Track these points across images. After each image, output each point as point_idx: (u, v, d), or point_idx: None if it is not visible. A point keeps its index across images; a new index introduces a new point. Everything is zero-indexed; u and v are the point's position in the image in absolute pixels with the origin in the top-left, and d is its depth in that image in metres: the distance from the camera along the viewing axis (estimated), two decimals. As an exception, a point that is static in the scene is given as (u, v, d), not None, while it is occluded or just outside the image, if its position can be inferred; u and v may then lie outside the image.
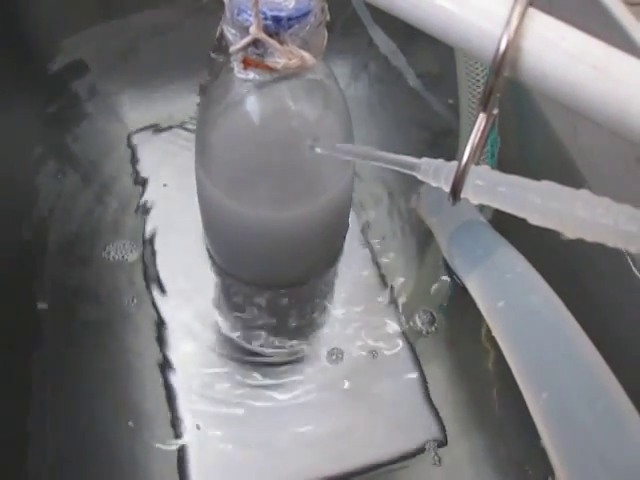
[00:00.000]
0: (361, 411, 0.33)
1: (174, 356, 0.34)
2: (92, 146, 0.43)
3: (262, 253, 0.33)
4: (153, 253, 0.38)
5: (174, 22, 0.45)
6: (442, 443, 0.32)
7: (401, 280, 0.38)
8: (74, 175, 0.41)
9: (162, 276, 0.37)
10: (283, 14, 0.23)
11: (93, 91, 0.44)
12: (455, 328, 0.36)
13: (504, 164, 0.35)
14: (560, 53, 0.16)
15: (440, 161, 0.22)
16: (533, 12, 0.16)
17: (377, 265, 0.38)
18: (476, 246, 0.28)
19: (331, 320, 0.36)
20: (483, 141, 0.18)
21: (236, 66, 0.25)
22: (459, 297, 0.36)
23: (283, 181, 0.30)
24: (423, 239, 0.39)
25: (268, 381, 0.34)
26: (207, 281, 0.37)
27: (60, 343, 0.35)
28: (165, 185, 0.41)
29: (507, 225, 0.25)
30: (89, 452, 0.32)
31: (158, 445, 0.32)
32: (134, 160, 0.42)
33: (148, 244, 0.38)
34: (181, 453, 0.31)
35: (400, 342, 0.35)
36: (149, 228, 0.39)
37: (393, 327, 0.36)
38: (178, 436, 0.32)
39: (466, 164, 0.19)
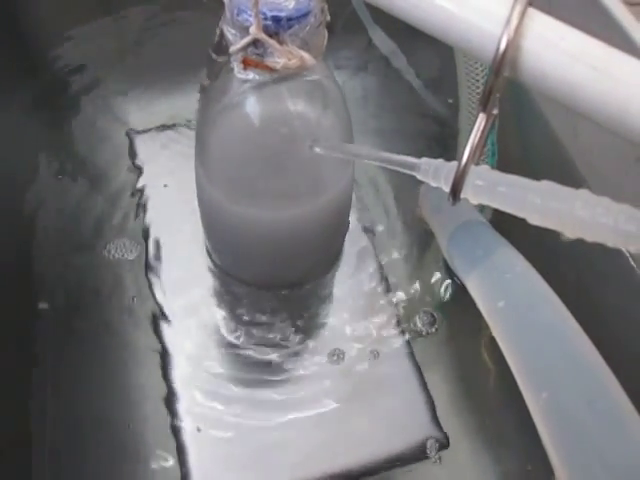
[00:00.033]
0: (362, 411, 0.33)
1: (174, 357, 0.34)
2: (92, 146, 0.43)
3: (262, 253, 0.33)
4: (153, 253, 0.38)
5: (174, 21, 0.45)
6: (442, 443, 0.32)
7: (401, 280, 0.38)
8: (74, 175, 0.41)
9: (162, 277, 0.37)
10: (283, 14, 0.23)
11: (93, 90, 0.44)
12: (455, 328, 0.36)
13: (504, 164, 0.35)
14: (560, 53, 0.16)
15: (440, 161, 0.22)
16: (533, 12, 0.16)
17: (377, 265, 0.38)
18: (476, 246, 0.28)
19: (332, 320, 0.36)
20: (483, 141, 0.18)
21: (236, 66, 0.25)
22: (459, 297, 0.36)
23: (283, 181, 0.30)
24: (423, 239, 0.39)
25: (269, 382, 0.34)
26: (207, 282, 0.37)
27: (60, 343, 0.35)
28: (166, 185, 0.41)
29: (507, 225, 0.25)
30: (89, 452, 0.32)
31: (158, 446, 0.32)
32: (134, 160, 0.42)
33: (148, 244, 0.38)
34: (181, 453, 0.31)
35: (400, 342, 0.35)
36: (149, 228, 0.39)
37: (393, 327, 0.36)
38: (178, 437, 0.32)
39: (466, 164, 0.19)
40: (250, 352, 0.34)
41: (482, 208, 0.32)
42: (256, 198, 0.30)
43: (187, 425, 0.32)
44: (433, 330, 0.36)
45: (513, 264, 0.26)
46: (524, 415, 0.21)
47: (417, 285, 0.38)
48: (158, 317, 0.35)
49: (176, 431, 0.32)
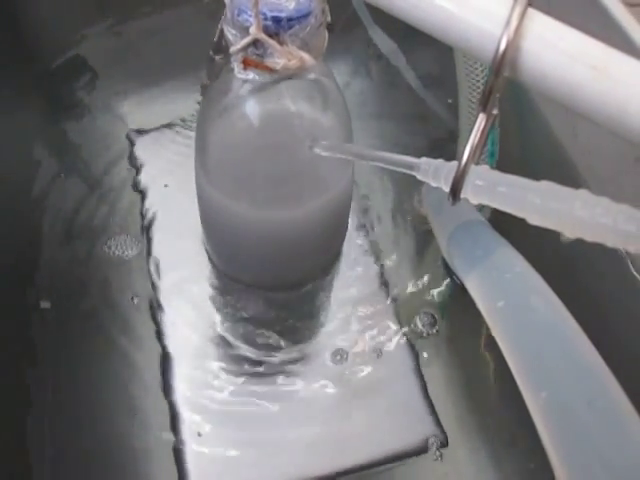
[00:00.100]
0: (363, 410, 0.33)
1: (174, 357, 0.34)
2: (92, 146, 0.43)
3: (261, 254, 0.33)
4: (152, 253, 0.38)
5: (174, 21, 0.45)
6: (442, 442, 0.32)
7: (401, 280, 0.38)
8: (74, 174, 0.41)
9: (161, 277, 0.37)
10: (283, 15, 0.23)
11: (93, 90, 0.44)
12: (455, 328, 0.36)
13: (503, 164, 0.35)
14: (559, 53, 0.16)
15: (440, 161, 0.22)
16: (532, 12, 0.16)
17: (377, 265, 0.38)
18: (475, 246, 0.28)
19: (333, 321, 0.36)
20: (483, 141, 0.18)
21: (236, 66, 0.25)
22: (459, 297, 0.36)
23: (282, 181, 0.30)
24: (423, 239, 0.39)
25: (270, 382, 0.34)
26: (207, 282, 0.37)
27: (61, 342, 0.35)
28: (166, 185, 0.41)
29: (506, 225, 0.25)
30: (89, 453, 0.32)
31: (158, 446, 0.32)
32: (134, 160, 0.42)
33: (148, 244, 0.38)
34: (180, 453, 0.31)
35: (401, 343, 0.35)
36: (149, 228, 0.39)
37: (394, 328, 0.36)
38: (178, 438, 0.32)
39: (466, 164, 0.19)
40: (250, 353, 0.35)
41: (481, 208, 0.32)
42: (255, 198, 0.30)
43: (187, 425, 0.32)
44: (433, 330, 0.36)
45: (513, 264, 0.26)
46: (524, 415, 0.21)
47: (417, 285, 0.38)
48: (158, 317, 0.35)
49: (176, 432, 0.32)
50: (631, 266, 0.29)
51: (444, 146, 0.42)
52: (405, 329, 0.36)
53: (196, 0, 0.44)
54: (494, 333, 0.24)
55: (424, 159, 0.23)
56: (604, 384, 0.21)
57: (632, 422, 0.20)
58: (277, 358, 0.34)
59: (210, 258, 0.37)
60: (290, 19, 0.23)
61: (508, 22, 0.16)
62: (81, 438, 0.32)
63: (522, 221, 0.20)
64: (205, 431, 0.32)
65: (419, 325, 0.36)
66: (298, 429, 0.32)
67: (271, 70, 0.24)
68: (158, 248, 0.38)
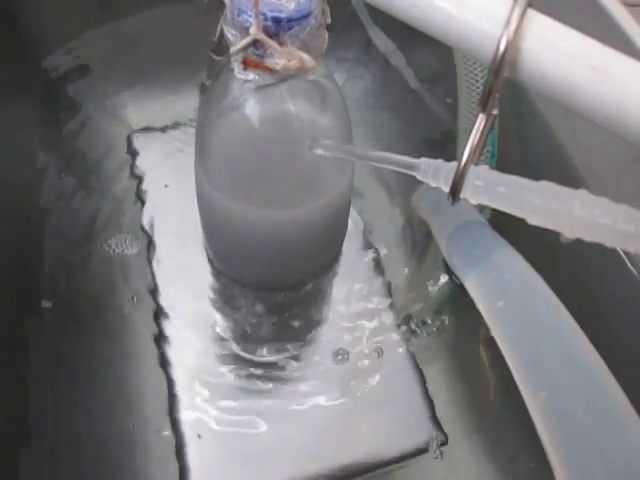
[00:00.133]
0: (363, 410, 0.33)
1: (174, 358, 0.34)
2: (92, 146, 0.43)
3: (261, 254, 0.33)
4: (152, 253, 0.38)
5: (174, 22, 0.45)
6: (443, 442, 0.32)
7: (401, 280, 0.38)
8: (75, 174, 0.41)
9: (161, 277, 0.37)
10: (283, 15, 0.23)
11: (93, 91, 0.44)
12: (455, 328, 0.36)
13: (503, 164, 0.35)
14: (559, 54, 0.16)
15: (439, 161, 0.22)
16: (532, 13, 0.16)
17: (377, 265, 0.38)
18: (475, 246, 0.28)
19: (333, 321, 0.36)
20: (482, 141, 0.18)
21: (236, 67, 0.25)
22: (459, 297, 0.36)
23: (282, 182, 0.30)
24: (422, 239, 0.39)
25: (271, 383, 0.34)
26: (206, 282, 0.37)
27: (61, 342, 0.35)
28: (166, 186, 0.41)
29: (506, 225, 0.25)
30: (89, 453, 0.32)
31: (159, 447, 0.32)
32: (134, 160, 0.42)
33: (148, 244, 0.38)
34: (181, 454, 0.32)
35: (401, 342, 0.35)
36: (149, 228, 0.39)
37: (394, 328, 0.36)
38: (178, 439, 0.32)
39: (465, 164, 0.19)
40: (251, 353, 0.35)
41: (481, 208, 0.32)
42: (255, 198, 0.30)
43: (187, 427, 0.32)
44: (433, 330, 0.36)
45: (512, 264, 0.26)
46: (524, 415, 0.22)
47: (416, 285, 0.38)
48: (157, 318, 0.35)
49: (176, 433, 0.32)
50: (630, 266, 0.29)
51: (443, 146, 0.42)
52: (405, 329, 0.36)
53: (196, 0, 0.44)
54: (493, 333, 0.24)
55: (423, 159, 0.23)
56: (603, 384, 0.21)
57: (631, 422, 0.20)
58: (277, 358, 0.34)
59: (210, 258, 0.37)
60: (290, 20, 0.23)
61: (508, 22, 0.16)
62: (81, 438, 0.32)
63: (521, 221, 0.20)
64: (205, 432, 0.32)
65: (419, 325, 0.36)
66: (298, 429, 0.32)
67: (271, 70, 0.24)
68: (158, 248, 0.38)
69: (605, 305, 0.31)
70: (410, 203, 0.37)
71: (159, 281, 0.37)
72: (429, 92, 0.45)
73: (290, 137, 0.28)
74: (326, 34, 0.25)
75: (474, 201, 0.21)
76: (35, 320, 0.35)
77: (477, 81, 0.34)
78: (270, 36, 0.23)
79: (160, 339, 0.35)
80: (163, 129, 0.43)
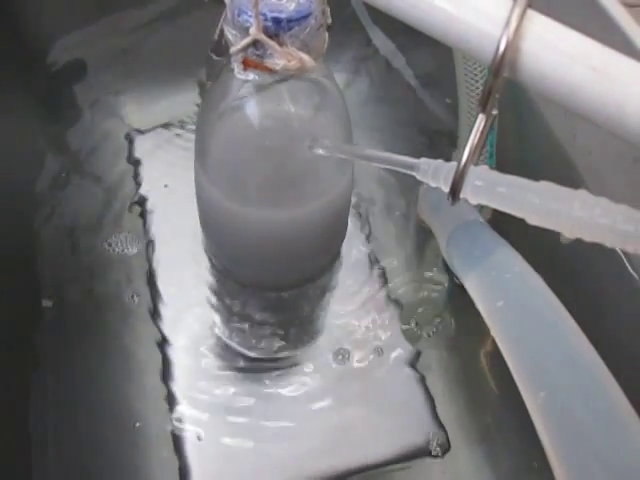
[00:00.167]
0: (363, 410, 0.33)
1: (173, 359, 0.34)
2: (92, 145, 0.43)
3: (261, 255, 0.33)
4: (152, 254, 0.38)
5: (174, 21, 0.45)
6: (443, 442, 0.32)
7: (400, 280, 0.38)
8: (74, 174, 0.41)
9: (161, 277, 0.37)
10: (283, 16, 0.23)
11: (93, 90, 0.44)
12: (455, 328, 0.36)
13: (503, 164, 0.35)
14: (558, 54, 0.16)
15: (439, 161, 0.22)
16: (532, 14, 0.16)
17: (377, 265, 0.38)
18: (475, 246, 0.28)
19: (333, 321, 0.36)
20: (482, 141, 0.18)
21: (236, 67, 0.25)
22: (458, 297, 0.36)
23: (282, 182, 0.30)
24: (423, 239, 0.39)
25: (271, 383, 0.34)
26: (206, 283, 0.37)
27: (61, 341, 0.35)
28: (166, 186, 0.41)
29: (506, 225, 0.25)
30: (89, 453, 0.32)
31: (158, 448, 0.32)
32: (134, 160, 0.42)
33: (148, 244, 0.38)
34: (181, 454, 0.32)
35: (401, 342, 0.35)
36: (148, 228, 0.39)
37: (394, 327, 0.36)
38: (178, 439, 0.32)
39: (465, 164, 0.19)
40: (251, 353, 0.35)
41: (481, 208, 0.32)
42: (255, 199, 0.30)
43: (187, 426, 0.32)
44: (432, 330, 0.36)
45: (512, 264, 0.26)
46: (523, 414, 0.22)
47: (417, 285, 0.38)
48: (157, 318, 0.35)
49: (176, 433, 0.32)
50: (629, 266, 0.30)
51: (443, 146, 0.42)
52: (405, 329, 0.36)
53: (196, 0, 0.44)
54: (493, 333, 0.24)
55: (423, 159, 0.23)
56: (603, 384, 0.21)
57: (630, 422, 0.20)
58: (277, 358, 0.34)
59: (209, 258, 0.37)
60: (290, 20, 0.23)
61: (507, 23, 0.16)
62: (81, 437, 0.32)
63: (521, 221, 0.20)
64: (205, 433, 0.32)
65: (419, 325, 0.36)
66: (299, 430, 0.32)
67: (271, 71, 0.24)
68: (157, 248, 0.38)
69: (604, 305, 0.32)
70: (411, 203, 0.38)
71: (159, 281, 0.37)
72: (429, 92, 0.45)
73: (290, 137, 0.28)
74: (326, 35, 0.25)
75: (474, 201, 0.21)
76: (36, 319, 0.35)
77: (477, 81, 0.34)
78: (270, 36, 0.23)
79: (159, 339, 0.35)
80: (163, 129, 0.43)
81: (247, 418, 0.33)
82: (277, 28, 0.23)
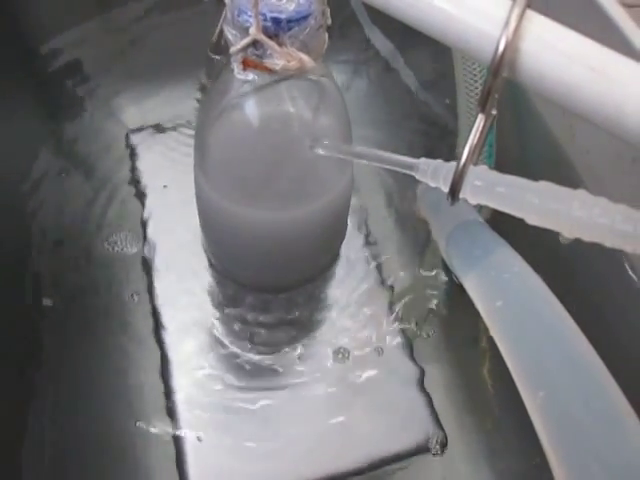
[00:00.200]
0: (364, 410, 0.33)
1: (173, 360, 0.34)
2: (92, 145, 0.43)
3: (260, 255, 0.33)
4: (151, 254, 0.38)
5: (174, 21, 0.45)
6: (442, 442, 0.32)
7: (400, 280, 0.38)
8: (74, 174, 0.41)
9: (160, 277, 0.37)
10: (283, 16, 0.23)
11: (92, 90, 0.44)
12: (454, 328, 0.36)
13: (502, 165, 0.35)
14: (557, 54, 0.16)
15: (439, 161, 0.22)
16: (531, 14, 0.16)
17: (376, 265, 0.38)
18: (474, 246, 0.28)
19: (333, 321, 0.36)
20: (482, 141, 0.18)
21: (236, 67, 0.25)
22: (458, 297, 0.36)
23: (282, 183, 0.30)
24: (422, 239, 0.39)
25: (271, 383, 0.34)
26: (205, 283, 0.37)
27: (61, 341, 0.35)
28: (165, 186, 0.41)
29: (505, 225, 0.25)
30: (89, 453, 0.32)
31: (158, 448, 0.32)
32: (133, 160, 0.42)
33: (147, 244, 0.38)
34: (180, 455, 0.32)
35: (401, 342, 0.35)
36: (148, 228, 0.39)
37: (394, 327, 0.36)
38: (177, 439, 0.32)
39: (465, 164, 0.19)
40: (250, 353, 0.35)
41: (480, 208, 0.32)
42: (255, 199, 0.30)
43: (187, 429, 0.32)
44: (432, 329, 0.36)
45: (511, 264, 0.26)
46: (523, 414, 0.22)
47: (415, 285, 0.38)
48: (156, 318, 0.35)
49: (176, 434, 0.32)
50: (628, 266, 0.30)
51: (442, 147, 0.42)
52: (405, 328, 0.36)
53: (196, 0, 0.44)
54: (492, 333, 0.24)
55: (423, 159, 0.23)
56: (602, 384, 0.21)
57: (630, 422, 0.20)
58: (277, 358, 0.34)
59: (209, 258, 0.37)
60: (289, 20, 0.23)
61: (507, 23, 0.16)
62: (81, 438, 0.32)
63: (520, 221, 0.20)
64: (205, 433, 0.32)
65: (418, 324, 0.36)
66: (298, 429, 0.32)
67: (270, 71, 0.24)
68: (157, 248, 0.38)
69: (604, 305, 0.32)
70: (410, 203, 0.38)
71: (158, 281, 0.37)
72: (427, 92, 0.45)
73: (289, 137, 0.28)
74: (326, 35, 0.25)
75: (473, 201, 0.21)
76: (36, 318, 0.35)
77: (475, 81, 0.34)
78: (270, 37, 0.23)
79: (159, 339, 0.35)
80: (162, 129, 0.43)
81: (247, 418, 0.33)
82: (277, 28, 0.23)
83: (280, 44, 0.23)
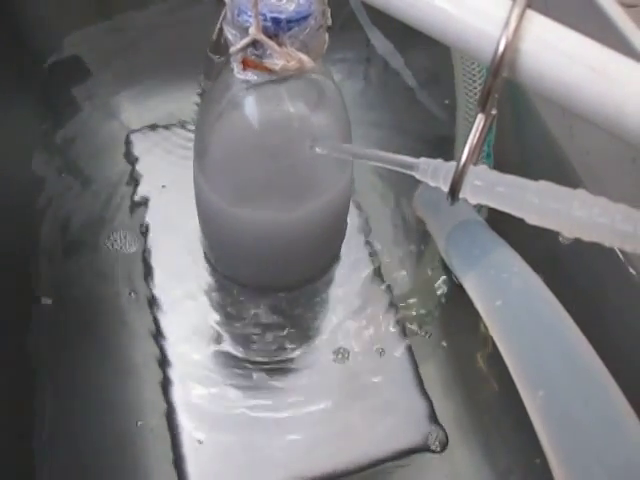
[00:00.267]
0: (364, 409, 0.33)
1: (173, 359, 0.34)
2: (91, 145, 0.43)
3: (260, 256, 0.33)
4: (151, 254, 0.38)
5: (174, 21, 0.45)
6: (442, 441, 0.32)
7: (399, 280, 0.38)
8: (73, 174, 0.41)
9: (159, 277, 0.37)
10: (282, 16, 0.23)
11: (92, 90, 0.44)
12: (453, 327, 0.36)
13: (501, 164, 0.35)
14: (557, 54, 0.16)
15: (439, 161, 0.22)
16: (531, 14, 0.16)
17: (375, 265, 0.38)
18: (473, 246, 0.28)
19: (333, 321, 0.36)
20: (481, 141, 0.18)
21: (235, 67, 0.25)
22: (457, 297, 0.36)
23: (281, 182, 0.30)
24: (422, 239, 0.39)
25: (270, 383, 0.34)
26: (205, 283, 0.37)
27: (61, 341, 0.35)
28: (164, 186, 0.41)
29: (504, 225, 0.25)
30: (89, 453, 0.32)
31: (158, 448, 0.32)
32: (133, 160, 0.42)
33: (146, 244, 0.38)
34: (179, 456, 0.32)
35: (400, 342, 0.35)
36: (147, 229, 0.39)
37: (392, 327, 0.36)
38: (177, 438, 0.32)
39: (465, 164, 0.19)
40: (250, 354, 0.35)
41: (479, 208, 0.32)
42: (254, 199, 0.30)
43: (186, 430, 0.32)
44: (431, 329, 0.36)
45: (510, 264, 0.26)
46: (521, 412, 0.22)
47: (416, 284, 0.38)
48: (156, 318, 0.35)
49: (175, 435, 0.32)
50: (628, 266, 0.30)
51: (441, 146, 0.42)
52: (404, 328, 0.36)
53: (196, 0, 0.44)
54: (492, 332, 0.24)
55: (423, 159, 0.23)
56: (601, 383, 0.21)
57: (629, 422, 0.20)
58: (277, 359, 0.34)
59: (208, 259, 0.37)
60: (289, 21, 0.23)
61: (507, 23, 0.16)
62: (80, 437, 0.32)
63: (520, 221, 0.20)
64: (205, 433, 0.32)
65: (418, 324, 0.36)
66: (298, 429, 0.32)
67: (270, 71, 0.24)
68: (156, 248, 0.38)
69: (604, 305, 0.32)
70: (410, 203, 0.38)
71: (157, 280, 0.37)
72: (427, 93, 0.45)
73: (289, 137, 0.28)
74: (326, 35, 0.25)
75: (473, 201, 0.21)
76: (35, 317, 0.35)
77: (475, 82, 0.34)
78: (269, 37, 0.23)
79: (159, 339, 0.35)
80: (162, 130, 0.43)
81: (246, 418, 0.33)
82: (276, 28, 0.23)
83: (280, 44, 0.23)
